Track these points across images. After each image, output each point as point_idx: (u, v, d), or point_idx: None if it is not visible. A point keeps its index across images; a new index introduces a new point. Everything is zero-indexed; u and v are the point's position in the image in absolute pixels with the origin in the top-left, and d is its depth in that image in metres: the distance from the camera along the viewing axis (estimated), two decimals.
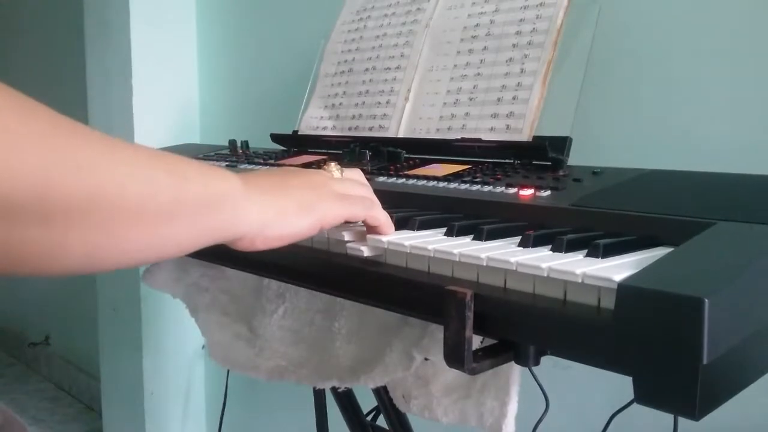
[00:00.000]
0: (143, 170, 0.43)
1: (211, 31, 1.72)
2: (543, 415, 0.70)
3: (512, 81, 0.81)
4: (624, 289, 0.38)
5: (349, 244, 0.60)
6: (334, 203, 0.56)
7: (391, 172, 0.82)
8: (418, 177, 0.78)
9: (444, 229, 0.58)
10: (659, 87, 0.92)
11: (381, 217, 0.59)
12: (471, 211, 0.66)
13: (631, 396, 0.38)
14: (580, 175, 0.69)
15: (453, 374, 0.72)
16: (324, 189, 0.57)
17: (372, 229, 0.60)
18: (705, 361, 0.35)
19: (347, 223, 0.61)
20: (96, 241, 0.41)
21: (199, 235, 0.47)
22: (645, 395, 0.38)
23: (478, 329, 0.46)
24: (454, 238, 0.56)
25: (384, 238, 0.56)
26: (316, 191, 0.56)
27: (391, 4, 1.02)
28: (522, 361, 0.49)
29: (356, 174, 0.65)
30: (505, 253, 0.49)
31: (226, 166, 1.00)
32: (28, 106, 0.38)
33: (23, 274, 0.41)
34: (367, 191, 0.62)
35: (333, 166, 0.63)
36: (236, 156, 1.09)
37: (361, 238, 0.60)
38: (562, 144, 0.75)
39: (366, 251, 0.58)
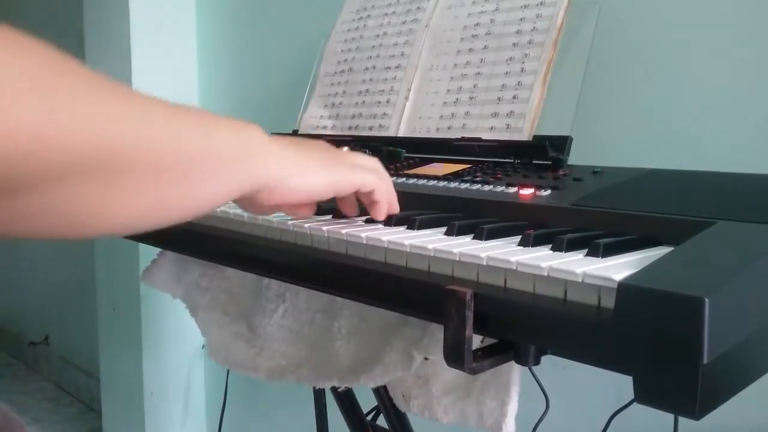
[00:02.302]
0: (177, 125, 0.44)
1: (211, 31, 1.72)
2: (543, 414, 0.70)
3: (512, 80, 0.81)
4: (624, 289, 0.38)
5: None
6: (350, 168, 0.59)
7: (391, 172, 0.81)
8: (418, 176, 0.78)
9: (444, 229, 0.58)
10: (659, 86, 0.92)
11: (384, 195, 0.61)
12: (471, 210, 0.66)
13: (632, 396, 0.38)
14: (581, 174, 0.69)
15: (453, 374, 0.72)
16: (340, 156, 0.60)
17: (374, 205, 0.61)
18: (705, 361, 0.35)
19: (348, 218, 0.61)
20: (134, 198, 0.41)
21: (229, 187, 0.48)
22: (645, 395, 0.37)
23: (478, 329, 0.46)
24: (454, 237, 0.56)
25: (384, 237, 0.56)
26: (333, 157, 0.59)
27: (391, 3, 1.02)
28: (522, 360, 0.49)
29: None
30: (505, 252, 0.49)
31: None
32: (67, 64, 0.37)
33: (64, 236, 0.41)
34: (379, 165, 0.63)
35: (346, 151, 0.64)
36: None
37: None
38: (562, 143, 0.75)
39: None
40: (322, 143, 0.62)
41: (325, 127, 1.04)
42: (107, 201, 0.40)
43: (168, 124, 0.43)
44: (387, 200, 0.61)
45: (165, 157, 0.42)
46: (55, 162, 0.35)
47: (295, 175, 0.54)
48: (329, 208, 0.67)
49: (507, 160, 0.81)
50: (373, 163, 0.63)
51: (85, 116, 0.37)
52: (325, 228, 0.62)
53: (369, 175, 0.60)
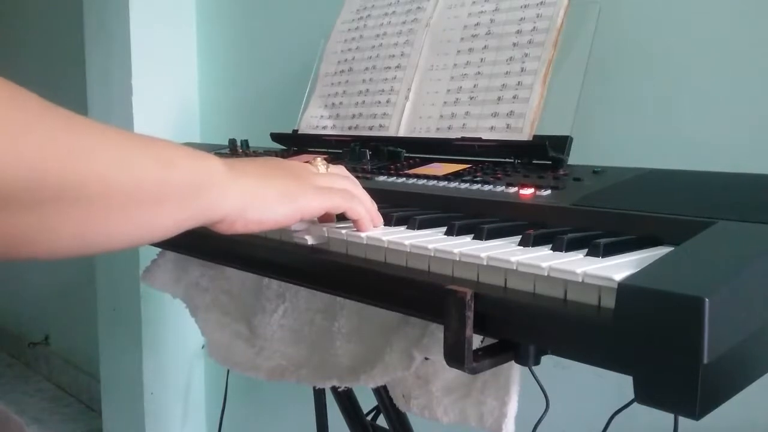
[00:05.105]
0: (132, 156, 0.44)
1: (211, 31, 1.72)
2: (543, 414, 0.70)
3: (512, 80, 0.81)
4: (624, 289, 0.38)
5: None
6: (314, 194, 0.57)
7: (392, 172, 0.82)
8: (418, 176, 0.78)
9: (444, 229, 0.58)
10: (659, 86, 0.92)
11: (360, 210, 0.60)
12: (471, 210, 0.66)
13: (632, 395, 0.38)
14: (581, 174, 0.69)
15: (453, 374, 0.72)
16: (306, 180, 0.58)
17: (354, 224, 0.60)
18: (705, 361, 0.35)
19: (344, 219, 0.61)
20: (86, 225, 0.42)
21: (183, 218, 0.48)
22: (645, 395, 0.37)
23: (478, 329, 0.46)
24: (454, 237, 0.56)
25: (384, 237, 0.56)
26: (298, 182, 0.58)
27: (391, 3, 1.02)
28: (522, 360, 0.49)
29: (341, 170, 0.66)
30: (505, 252, 0.49)
31: None
32: (18, 95, 0.38)
33: (15, 258, 0.42)
34: (350, 184, 0.62)
35: (319, 161, 0.63)
36: (236, 155, 1.09)
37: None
38: (562, 143, 0.75)
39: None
40: (291, 165, 0.61)
41: (325, 127, 1.04)
42: (58, 227, 0.40)
43: (122, 155, 0.43)
44: (364, 216, 0.60)
45: (117, 188, 0.42)
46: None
47: (255, 207, 0.53)
48: None
49: (507, 160, 0.81)
50: (344, 183, 0.62)
51: (30, 147, 0.37)
52: (324, 228, 0.62)
53: (336, 197, 0.59)
